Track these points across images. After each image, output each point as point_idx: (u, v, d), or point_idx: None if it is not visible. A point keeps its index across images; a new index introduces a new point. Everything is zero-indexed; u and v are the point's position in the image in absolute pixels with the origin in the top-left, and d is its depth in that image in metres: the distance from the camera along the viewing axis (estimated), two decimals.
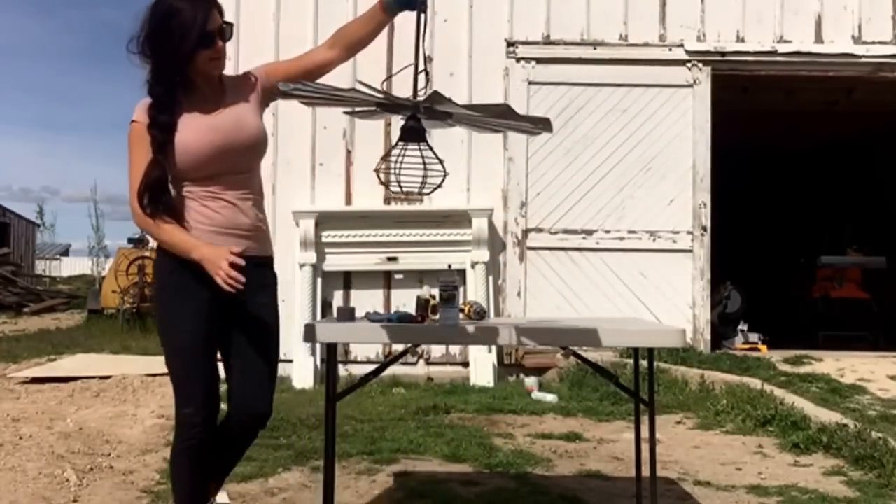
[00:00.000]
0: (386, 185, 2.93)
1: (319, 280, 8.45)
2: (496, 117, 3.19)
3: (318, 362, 8.10)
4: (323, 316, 8.29)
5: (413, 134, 2.90)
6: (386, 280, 8.64)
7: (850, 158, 14.19)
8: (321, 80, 2.94)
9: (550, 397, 7.13)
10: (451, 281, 3.25)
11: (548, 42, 8.76)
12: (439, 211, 8.49)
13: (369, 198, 8.58)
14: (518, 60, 8.73)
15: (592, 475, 4.73)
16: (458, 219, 8.44)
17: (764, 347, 9.36)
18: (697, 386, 7.14)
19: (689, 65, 8.73)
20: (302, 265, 8.39)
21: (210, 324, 2.85)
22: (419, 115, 2.91)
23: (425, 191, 2.89)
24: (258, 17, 8.65)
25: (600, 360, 6.92)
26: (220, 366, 2.97)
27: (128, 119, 2.91)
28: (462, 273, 8.23)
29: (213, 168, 2.83)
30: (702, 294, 8.58)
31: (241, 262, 2.71)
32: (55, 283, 31.33)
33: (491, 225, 8.52)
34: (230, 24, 2.90)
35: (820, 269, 11.42)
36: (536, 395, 7.29)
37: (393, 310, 5.90)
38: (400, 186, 2.88)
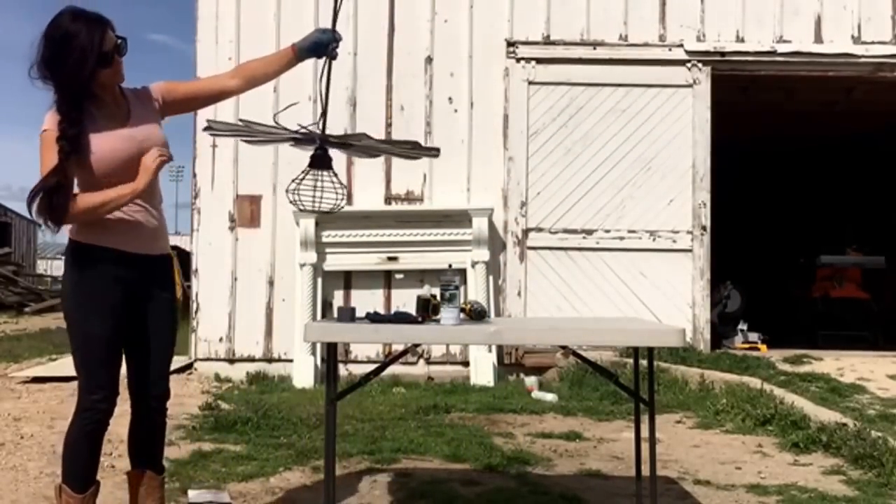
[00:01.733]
0: (294, 203, 3.39)
1: (320, 280, 8.46)
2: (386, 145, 3.81)
3: (319, 362, 8.10)
4: (323, 316, 8.30)
5: (320, 162, 3.32)
6: (386, 280, 8.65)
7: (850, 158, 14.19)
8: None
9: (550, 397, 7.14)
10: (451, 280, 3.26)
11: (548, 42, 8.76)
12: (440, 210, 8.50)
13: (370, 198, 8.59)
14: (518, 60, 8.74)
15: (592, 474, 4.74)
16: (459, 218, 8.45)
17: (764, 347, 9.37)
18: (697, 385, 7.15)
19: (688, 65, 8.74)
20: (302, 265, 8.40)
21: (121, 317, 3.11)
22: (325, 146, 3.34)
23: (331, 210, 3.41)
24: (258, 17, 8.66)
25: (600, 359, 6.92)
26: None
27: None
28: (462, 273, 8.24)
29: (127, 175, 3.03)
30: (701, 294, 8.59)
31: (157, 153, 3.06)
32: (56, 282, 31.32)
33: (491, 224, 8.53)
34: (124, 39, 3.10)
35: (820, 269, 11.43)
36: (536, 394, 7.30)
37: (393, 309, 5.91)
38: (301, 203, 3.38)
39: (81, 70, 2.94)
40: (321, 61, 3.32)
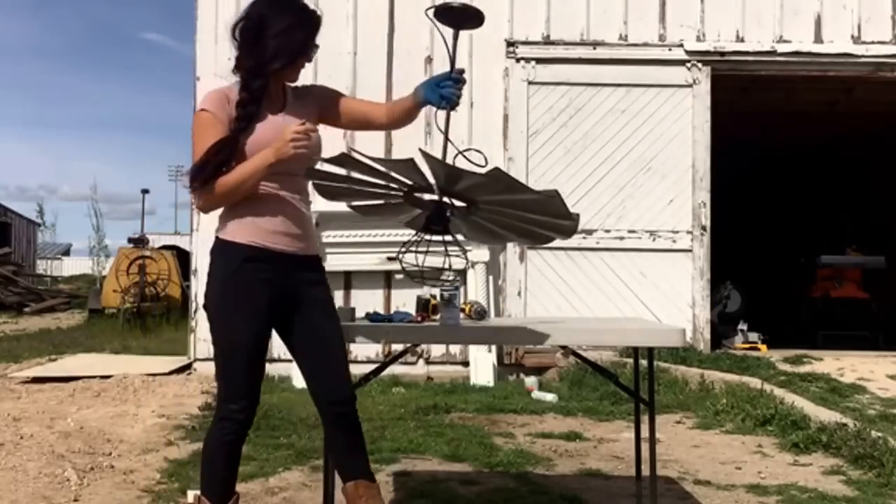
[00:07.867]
0: (406, 272, 3.05)
1: None
2: (532, 210, 3.22)
3: None
4: None
5: (437, 224, 2.96)
6: (386, 280, 8.65)
7: (850, 158, 14.20)
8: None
9: (550, 397, 7.13)
10: (451, 281, 3.26)
11: (548, 42, 8.77)
12: None
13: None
14: (518, 60, 8.74)
15: (593, 474, 4.73)
16: None
17: (764, 347, 9.37)
18: (697, 385, 7.15)
19: (688, 65, 8.74)
20: None
21: (267, 323, 2.98)
22: (445, 206, 2.95)
23: (447, 278, 3.05)
24: None
25: (600, 359, 6.93)
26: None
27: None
28: (462, 273, 8.23)
29: (277, 166, 2.85)
30: (701, 294, 8.59)
31: (303, 126, 2.81)
32: (56, 282, 31.36)
33: None
34: (317, 46, 3.02)
35: (820, 269, 11.43)
36: (536, 394, 7.30)
37: (393, 309, 5.91)
38: (422, 276, 3.02)
39: (274, 61, 2.87)
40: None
